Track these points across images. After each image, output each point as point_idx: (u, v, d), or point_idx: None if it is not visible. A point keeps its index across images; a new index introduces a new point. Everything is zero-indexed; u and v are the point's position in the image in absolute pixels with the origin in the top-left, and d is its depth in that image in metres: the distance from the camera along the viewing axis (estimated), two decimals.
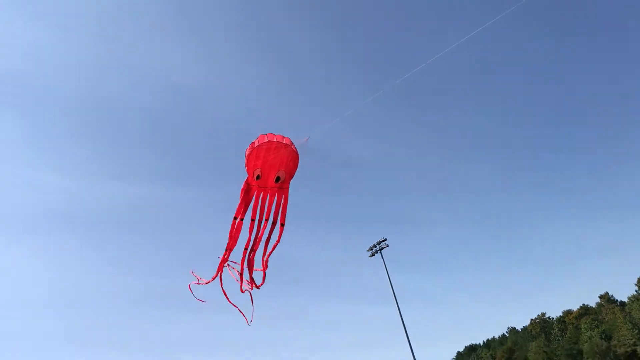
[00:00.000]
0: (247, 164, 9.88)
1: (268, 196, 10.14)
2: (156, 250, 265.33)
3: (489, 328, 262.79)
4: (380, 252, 69.99)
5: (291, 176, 10.14)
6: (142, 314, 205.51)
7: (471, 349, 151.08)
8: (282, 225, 10.16)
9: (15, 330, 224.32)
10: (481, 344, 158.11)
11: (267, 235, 10.33)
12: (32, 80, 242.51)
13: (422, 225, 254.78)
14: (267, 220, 10.19)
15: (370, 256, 71.36)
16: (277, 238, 10.14)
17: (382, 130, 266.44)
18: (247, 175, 10.03)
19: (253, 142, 9.92)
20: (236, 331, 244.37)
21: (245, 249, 10.18)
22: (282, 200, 10.17)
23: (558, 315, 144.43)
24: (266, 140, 9.83)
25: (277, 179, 9.98)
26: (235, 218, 10.10)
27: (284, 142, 9.93)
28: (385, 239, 70.21)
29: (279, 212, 10.19)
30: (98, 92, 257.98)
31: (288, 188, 10.27)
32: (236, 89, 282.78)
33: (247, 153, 9.84)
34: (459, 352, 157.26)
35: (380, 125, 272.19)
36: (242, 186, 10.07)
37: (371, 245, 71.37)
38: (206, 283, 14.29)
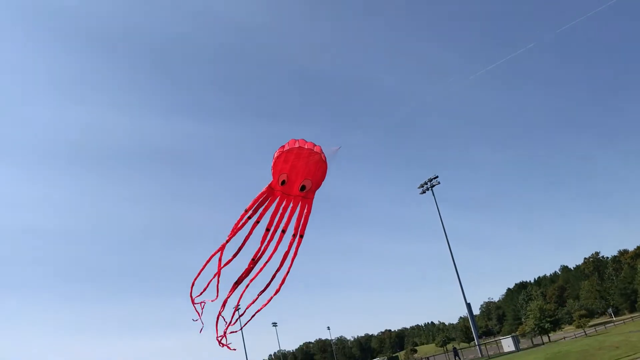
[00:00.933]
0: (274, 167, 9.38)
1: (291, 205, 9.57)
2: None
3: (540, 266, 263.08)
4: (432, 189, 70.62)
5: (317, 186, 9.70)
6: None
7: (521, 286, 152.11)
8: (301, 236, 9.49)
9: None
10: (532, 281, 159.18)
11: (284, 249, 9.57)
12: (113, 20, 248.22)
13: (474, 162, 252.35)
14: (283, 231, 9.43)
15: (421, 193, 72.01)
16: (293, 251, 9.38)
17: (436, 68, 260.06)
18: (272, 179, 9.53)
19: (283, 146, 9.31)
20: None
21: (248, 269, 9.43)
22: (305, 211, 9.61)
23: (613, 255, 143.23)
24: (297, 145, 9.22)
25: (303, 187, 9.46)
26: (246, 211, 9.27)
27: (315, 149, 9.31)
28: (437, 176, 70.59)
29: (300, 222, 9.54)
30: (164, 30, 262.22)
31: (312, 198, 9.77)
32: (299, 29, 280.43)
33: (276, 156, 9.34)
34: (508, 289, 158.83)
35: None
36: (263, 189, 9.42)
37: (422, 182, 72.07)
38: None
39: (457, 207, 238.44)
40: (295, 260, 9.45)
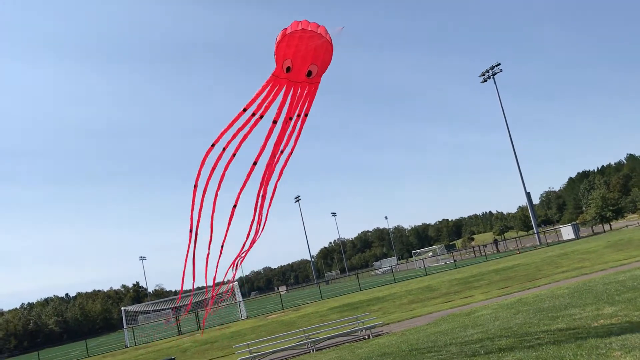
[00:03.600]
0: (277, 53, 8.63)
1: (299, 91, 8.91)
2: None
3: (604, 155, 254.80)
4: (493, 78, 68.39)
5: (324, 70, 9.03)
6: None
7: (584, 175, 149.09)
8: (306, 115, 9.03)
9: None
10: (595, 170, 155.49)
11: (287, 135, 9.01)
12: None
13: (538, 48, 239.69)
14: (290, 119, 8.84)
15: (483, 82, 70.36)
16: (298, 131, 8.94)
17: None
18: (276, 66, 8.78)
19: (285, 29, 8.55)
20: (345, 156, 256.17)
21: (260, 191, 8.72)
22: (310, 94, 9.04)
23: None
24: (300, 27, 8.43)
25: (309, 73, 8.77)
26: (244, 110, 8.44)
27: (319, 31, 8.58)
28: (499, 64, 67.95)
29: (305, 104, 9.01)
30: None
31: (319, 82, 9.13)
32: None
33: (278, 40, 8.59)
34: (570, 178, 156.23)
35: None
36: (266, 80, 8.60)
37: (484, 70, 70.11)
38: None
39: (519, 94, 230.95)
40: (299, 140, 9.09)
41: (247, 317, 38.86)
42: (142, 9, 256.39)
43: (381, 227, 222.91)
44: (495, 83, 68.59)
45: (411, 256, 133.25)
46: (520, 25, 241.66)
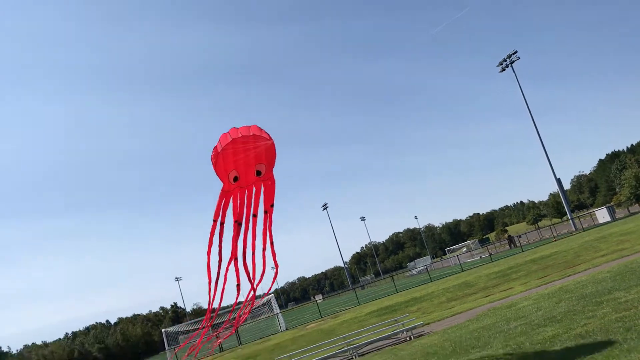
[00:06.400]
0: (218, 172, 8.62)
1: (254, 190, 9.12)
2: None
3: (633, 134, 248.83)
4: (511, 66, 67.66)
5: (272, 165, 9.03)
6: None
7: (614, 155, 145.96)
8: (271, 206, 9.15)
9: None
10: (625, 149, 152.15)
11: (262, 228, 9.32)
12: None
13: (556, 30, 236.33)
14: (255, 216, 9.06)
15: (501, 71, 69.59)
16: (268, 223, 9.16)
17: None
18: (223, 184, 8.77)
19: (216, 147, 8.54)
20: (369, 159, 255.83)
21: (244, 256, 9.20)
22: (270, 187, 9.19)
23: None
24: (230, 139, 8.36)
25: (258, 172, 8.82)
26: (214, 221, 8.79)
27: (251, 133, 8.50)
28: (516, 51, 67.39)
29: (267, 198, 9.20)
30: None
31: (272, 177, 9.18)
32: None
33: (214, 161, 8.59)
34: (600, 160, 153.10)
35: None
36: (218, 198, 8.78)
37: (501, 59, 69.37)
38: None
39: (539, 80, 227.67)
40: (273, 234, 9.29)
41: (287, 329, 38.88)
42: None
43: (412, 227, 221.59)
44: (514, 71, 67.86)
45: (445, 254, 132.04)
46: (533, 10, 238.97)
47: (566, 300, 13.58)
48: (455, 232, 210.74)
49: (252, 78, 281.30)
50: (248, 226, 9.10)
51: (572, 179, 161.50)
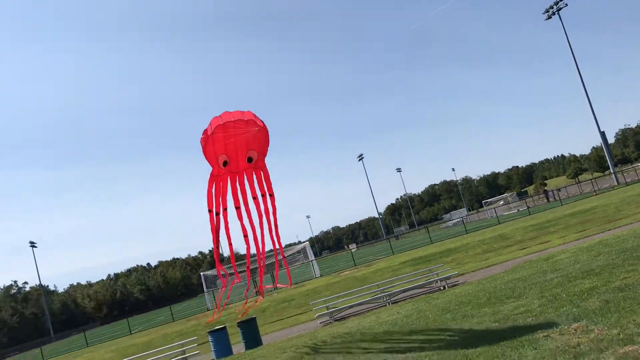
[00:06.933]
0: (207, 156, 8.49)
1: (245, 176, 8.91)
2: None
3: None
4: (558, 14, 64.86)
5: (265, 153, 8.89)
6: None
7: None
8: (271, 195, 9.00)
9: None
10: None
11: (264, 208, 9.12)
12: None
13: None
14: (254, 198, 8.88)
15: (547, 19, 66.87)
16: (272, 208, 8.95)
17: None
18: (212, 168, 8.62)
19: (206, 130, 8.39)
20: (406, 110, 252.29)
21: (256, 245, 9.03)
22: (263, 177, 9.00)
23: None
24: (221, 122, 8.24)
25: (250, 159, 8.69)
26: (209, 211, 8.57)
27: (245, 118, 8.36)
28: None
29: (263, 185, 9.04)
30: None
31: (264, 165, 9.02)
32: None
33: (203, 144, 8.45)
34: None
35: None
36: (208, 183, 8.57)
37: (548, 6, 66.53)
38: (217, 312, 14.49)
39: (587, 29, 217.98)
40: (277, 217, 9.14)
41: (321, 275, 39.60)
42: None
43: (448, 179, 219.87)
44: (560, 19, 65.03)
45: (481, 206, 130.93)
46: None
47: (605, 254, 13.35)
48: (492, 185, 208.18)
49: (289, 26, 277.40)
50: (249, 209, 9.00)
51: (616, 132, 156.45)
